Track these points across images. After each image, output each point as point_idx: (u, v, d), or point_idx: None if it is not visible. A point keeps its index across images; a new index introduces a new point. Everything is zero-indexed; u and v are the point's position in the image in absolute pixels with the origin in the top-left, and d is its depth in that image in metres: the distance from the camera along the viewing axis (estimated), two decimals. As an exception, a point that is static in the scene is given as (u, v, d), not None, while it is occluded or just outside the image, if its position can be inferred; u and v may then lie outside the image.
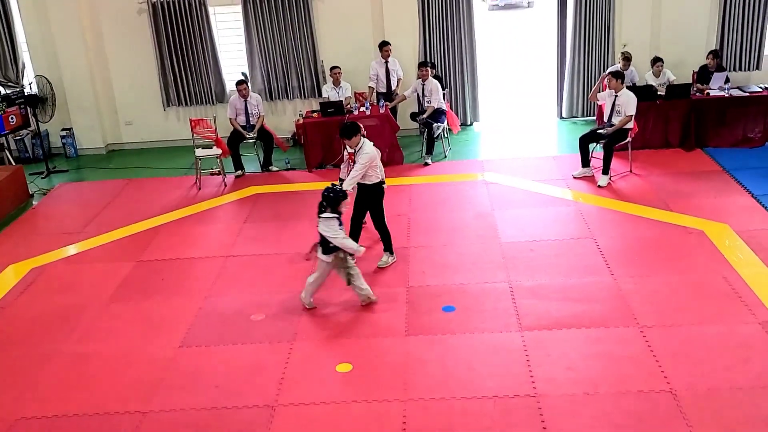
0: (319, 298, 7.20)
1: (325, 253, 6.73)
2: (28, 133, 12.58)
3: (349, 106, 11.32)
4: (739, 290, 6.85)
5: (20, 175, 10.81)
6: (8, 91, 12.04)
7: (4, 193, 10.22)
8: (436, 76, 11.52)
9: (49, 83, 11.72)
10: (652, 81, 11.26)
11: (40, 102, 11.79)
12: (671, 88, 10.84)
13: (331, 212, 6.64)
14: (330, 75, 11.68)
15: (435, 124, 11.05)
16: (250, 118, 11.21)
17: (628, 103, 9.72)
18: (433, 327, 6.61)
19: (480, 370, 5.93)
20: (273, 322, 6.89)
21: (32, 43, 12.53)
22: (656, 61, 11.32)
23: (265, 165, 11.39)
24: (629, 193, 9.41)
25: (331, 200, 6.64)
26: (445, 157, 11.42)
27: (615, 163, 9.96)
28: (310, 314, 6.97)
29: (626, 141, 9.98)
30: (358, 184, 7.60)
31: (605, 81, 10.13)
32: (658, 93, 10.82)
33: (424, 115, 11.14)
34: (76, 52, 12.29)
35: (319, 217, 6.67)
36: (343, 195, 6.72)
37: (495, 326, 6.54)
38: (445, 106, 11.37)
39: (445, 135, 11.68)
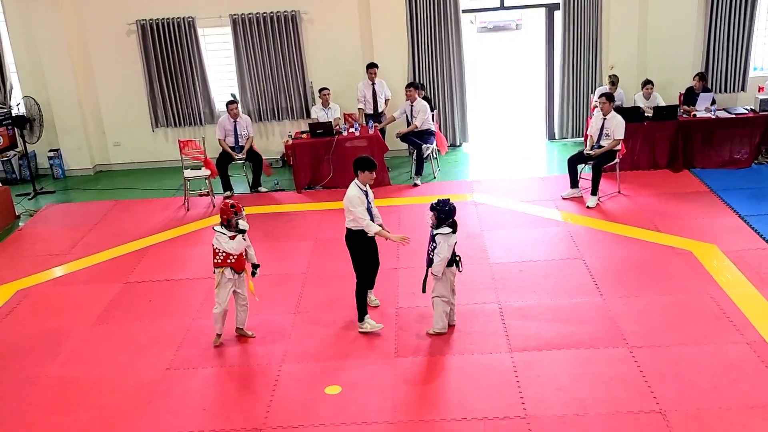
0: (308, 319, 7.18)
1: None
2: (15, 154, 12.54)
3: (338, 127, 11.34)
4: (727, 310, 6.87)
5: (7, 197, 10.75)
6: (-4, 112, 12.02)
7: (-10, 215, 10.18)
8: (425, 98, 11.57)
9: (37, 104, 11.67)
10: (641, 103, 11.32)
11: (27, 123, 11.74)
12: (658, 109, 10.90)
13: (447, 227, 6.46)
14: (319, 96, 11.71)
15: (424, 145, 11.09)
16: (240, 139, 11.20)
17: (617, 127, 9.79)
18: (422, 348, 6.58)
19: (470, 391, 5.90)
20: (261, 344, 6.84)
21: (20, 64, 12.53)
22: (646, 83, 11.39)
23: (254, 186, 11.38)
24: (618, 214, 9.45)
25: (448, 213, 6.44)
26: (435, 177, 11.45)
27: (603, 184, 10.02)
28: (299, 336, 6.93)
29: (614, 162, 10.05)
30: (352, 230, 6.82)
31: (595, 103, 10.18)
32: (646, 114, 10.90)
33: (404, 131, 11.21)
34: (64, 73, 12.30)
35: (437, 233, 6.46)
36: (452, 205, 6.48)
37: (485, 347, 6.52)
38: (433, 127, 11.41)
39: (434, 156, 11.71)
